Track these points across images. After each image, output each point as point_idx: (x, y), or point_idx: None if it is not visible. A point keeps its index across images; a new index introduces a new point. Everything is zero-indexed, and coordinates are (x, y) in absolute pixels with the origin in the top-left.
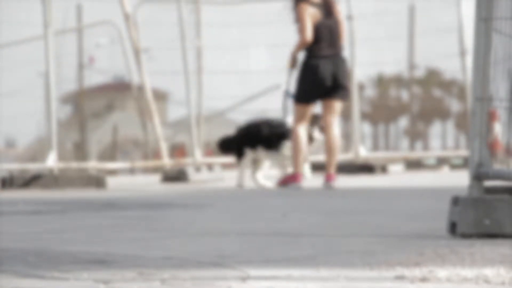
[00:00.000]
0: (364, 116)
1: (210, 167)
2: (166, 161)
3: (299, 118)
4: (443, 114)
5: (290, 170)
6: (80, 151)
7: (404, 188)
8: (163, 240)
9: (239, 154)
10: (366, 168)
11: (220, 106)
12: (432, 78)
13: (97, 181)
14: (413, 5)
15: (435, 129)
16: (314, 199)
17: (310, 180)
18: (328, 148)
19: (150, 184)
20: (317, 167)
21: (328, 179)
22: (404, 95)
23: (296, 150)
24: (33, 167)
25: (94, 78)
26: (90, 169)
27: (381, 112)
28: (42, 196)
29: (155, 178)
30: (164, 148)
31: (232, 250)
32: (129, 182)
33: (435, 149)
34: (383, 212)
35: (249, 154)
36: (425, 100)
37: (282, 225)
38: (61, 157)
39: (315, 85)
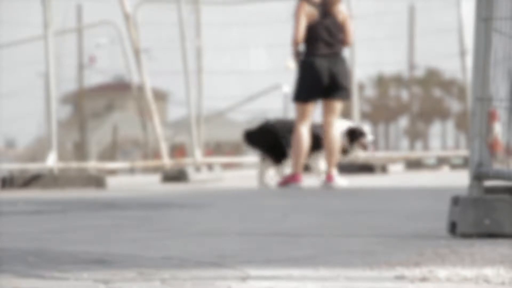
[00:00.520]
0: (364, 116)
1: (210, 167)
2: (166, 161)
3: (299, 117)
4: (443, 114)
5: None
6: (80, 151)
7: (404, 188)
8: (163, 240)
9: (277, 153)
10: (366, 168)
11: (220, 106)
12: (432, 78)
13: (97, 181)
14: (413, 5)
15: (435, 129)
16: (314, 199)
17: (308, 180)
18: (328, 149)
19: (150, 184)
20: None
21: (328, 179)
22: (404, 95)
23: (297, 150)
24: (33, 167)
25: (94, 78)
26: (90, 169)
27: (381, 112)
28: (42, 196)
29: (155, 178)
30: (164, 148)
31: (232, 250)
32: (129, 182)
33: (435, 149)
34: (383, 212)
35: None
36: (425, 100)
37: (282, 225)
38: (61, 157)
39: (311, 83)
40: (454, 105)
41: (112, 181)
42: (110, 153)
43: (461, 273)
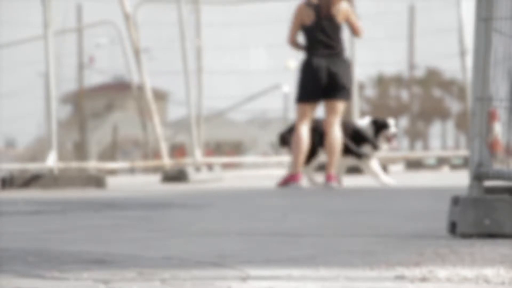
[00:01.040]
0: (364, 115)
1: (210, 167)
2: (166, 161)
3: (299, 118)
4: (443, 114)
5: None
6: (80, 151)
7: (404, 188)
8: (163, 240)
9: (311, 153)
10: None
11: (220, 106)
12: (432, 78)
13: (97, 181)
14: (413, 5)
15: (435, 129)
16: (314, 199)
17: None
18: (329, 148)
19: (150, 184)
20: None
21: (328, 179)
22: (404, 95)
23: (296, 150)
24: (33, 167)
25: (94, 78)
26: (90, 169)
27: (381, 112)
28: (42, 196)
29: (155, 178)
30: (164, 148)
31: (232, 250)
32: (129, 182)
33: (435, 149)
34: (383, 212)
35: (320, 155)
36: (425, 100)
37: (282, 225)
38: (61, 157)
39: (309, 84)
40: (454, 105)
41: (112, 181)
42: (110, 153)
43: (461, 273)
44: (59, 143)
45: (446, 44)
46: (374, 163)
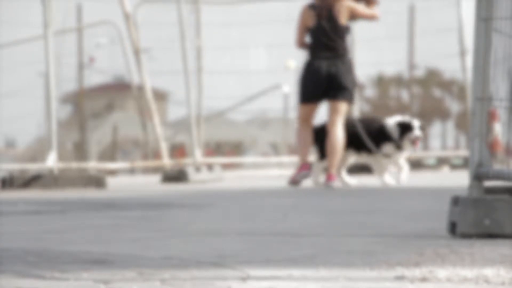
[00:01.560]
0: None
1: (210, 167)
2: (166, 161)
3: (300, 119)
4: (443, 114)
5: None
6: (80, 151)
7: (404, 188)
8: (163, 240)
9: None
10: (366, 168)
11: (220, 106)
12: (432, 78)
13: (97, 181)
14: (413, 5)
15: (435, 129)
16: (314, 199)
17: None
18: (330, 149)
19: (150, 184)
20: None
21: (329, 179)
22: (404, 95)
23: (298, 149)
24: (33, 167)
25: (94, 78)
26: (90, 169)
27: (381, 112)
28: (42, 196)
29: (155, 178)
30: (164, 148)
31: (232, 250)
32: (129, 182)
33: (435, 149)
34: (383, 212)
35: (351, 156)
36: (425, 100)
37: (282, 225)
38: (61, 157)
39: (310, 85)
40: (454, 105)
41: (112, 181)
42: (110, 153)
43: (461, 273)
44: (59, 143)
45: (446, 44)
46: (385, 162)
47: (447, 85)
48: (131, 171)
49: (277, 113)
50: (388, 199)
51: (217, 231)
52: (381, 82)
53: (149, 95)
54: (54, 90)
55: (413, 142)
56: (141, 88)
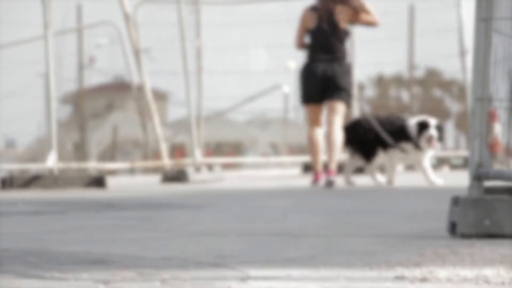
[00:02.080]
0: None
1: (210, 167)
2: (166, 162)
3: (308, 120)
4: (443, 114)
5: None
6: (80, 151)
7: (404, 188)
8: (163, 241)
9: (370, 152)
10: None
11: (220, 106)
12: (432, 78)
13: (97, 182)
14: (413, 5)
15: None
16: (314, 199)
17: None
18: (329, 145)
19: (150, 184)
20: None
21: (328, 174)
22: (404, 95)
23: (310, 151)
24: (33, 167)
25: (94, 78)
26: (90, 169)
27: (381, 112)
28: (42, 196)
29: (155, 179)
30: (164, 148)
31: (232, 250)
32: (129, 182)
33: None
34: (383, 212)
35: (380, 156)
36: (425, 100)
37: (282, 225)
38: (61, 157)
39: (307, 87)
40: (454, 105)
41: (112, 182)
42: (110, 153)
43: (461, 274)
44: (59, 143)
45: (446, 44)
46: (396, 161)
47: (447, 86)
48: (131, 171)
49: (277, 114)
50: (388, 199)
51: (217, 231)
52: (381, 82)
53: (149, 95)
54: (54, 90)
55: (428, 141)
56: (141, 88)
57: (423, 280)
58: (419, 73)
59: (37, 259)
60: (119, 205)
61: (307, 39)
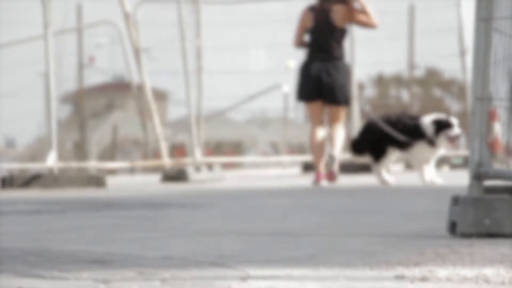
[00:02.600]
0: (364, 116)
1: (210, 167)
2: (166, 161)
3: (310, 118)
4: (443, 113)
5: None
6: (80, 151)
7: (404, 188)
8: (163, 240)
9: (380, 152)
10: (365, 168)
11: (220, 106)
12: (432, 78)
13: (97, 181)
14: (413, 5)
15: None
16: (314, 199)
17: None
18: (330, 144)
19: (150, 184)
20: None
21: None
22: (404, 95)
23: (311, 151)
24: (33, 166)
25: (94, 78)
26: (90, 169)
27: (381, 112)
28: (42, 195)
29: (155, 178)
30: (164, 148)
31: (232, 250)
32: (129, 182)
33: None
34: (383, 212)
35: (391, 154)
36: (425, 100)
37: (282, 225)
38: (61, 157)
39: (303, 84)
40: (454, 105)
41: (112, 181)
42: (110, 153)
43: (461, 273)
44: (59, 143)
45: (446, 44)
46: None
47: (447, 85)
48: (131, 170)
49: (277, 113)
50: (388, 199)
51: (217, 231)
52: (381, 82)
53: (149, 95)
54: (54, 90)
55: (452, 140)
56: (141, 88)
57: (423, 279)
58: (419, 72)
59: (37, 259)
60: (119, 205)
61: (306, 38)
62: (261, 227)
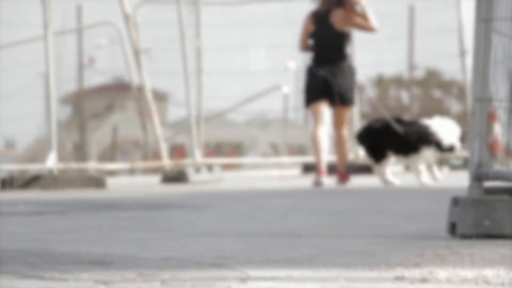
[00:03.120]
0: (364, 117)
1: (210, 168)
2: (166, 162)
3: (314, 120)
4: (443, 114)
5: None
6: (80, 152)
7: (404, 188)
8: (162, 241)
9: (381, 154)
10: (365, 168)
11: (220, 106)
12: (432, 78)
13: (97, 182)
14: (413, 5)
15: None
16: (314, 199)
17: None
18: (336, 147)
19: (150, 185)
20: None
21: (339, 177)
22: (404, 95)
23: (314, 151)
24: (33, 167)
25: (94, 78)
26: (90, 170)
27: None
28: (42, 196)
29: (155, 179)
30: (164, 148)
31: (232, 250)
32: (129, 183)
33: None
34: (383, 212)
35: (390, 157)
36: (425, 100)
37: (282, 226)
38: (61, 157)
39: (309, 88)
40: (454, 106)
41: (112, 182)
42: (110, 153)
43: (461, 274)
44: (59, 143)
45: (446, 45)
46: (423, 161)
47: (447, 86)
48: (131, 171)
49: (277, 114)
50: (388, 199)
51: (217, 231)
52: (381, 82)
53: (149, 95)
54: (54, 91)
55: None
56: (141, 89)
57: (423, 280)
58: (419, 73)
59: (37, 260)
60: (119, 206)
61: (310, 42)
62: (261, 228)
